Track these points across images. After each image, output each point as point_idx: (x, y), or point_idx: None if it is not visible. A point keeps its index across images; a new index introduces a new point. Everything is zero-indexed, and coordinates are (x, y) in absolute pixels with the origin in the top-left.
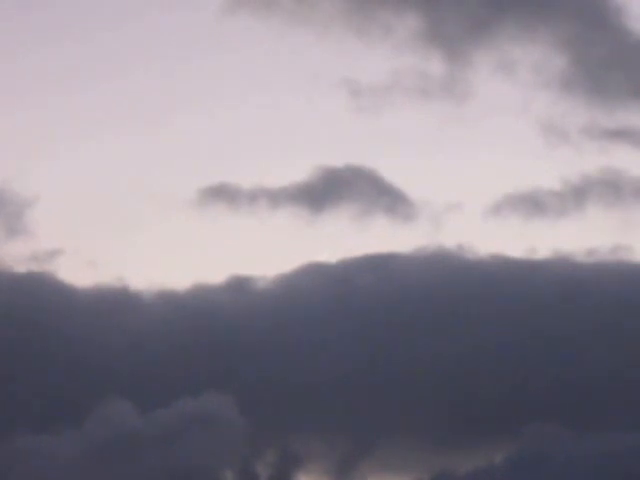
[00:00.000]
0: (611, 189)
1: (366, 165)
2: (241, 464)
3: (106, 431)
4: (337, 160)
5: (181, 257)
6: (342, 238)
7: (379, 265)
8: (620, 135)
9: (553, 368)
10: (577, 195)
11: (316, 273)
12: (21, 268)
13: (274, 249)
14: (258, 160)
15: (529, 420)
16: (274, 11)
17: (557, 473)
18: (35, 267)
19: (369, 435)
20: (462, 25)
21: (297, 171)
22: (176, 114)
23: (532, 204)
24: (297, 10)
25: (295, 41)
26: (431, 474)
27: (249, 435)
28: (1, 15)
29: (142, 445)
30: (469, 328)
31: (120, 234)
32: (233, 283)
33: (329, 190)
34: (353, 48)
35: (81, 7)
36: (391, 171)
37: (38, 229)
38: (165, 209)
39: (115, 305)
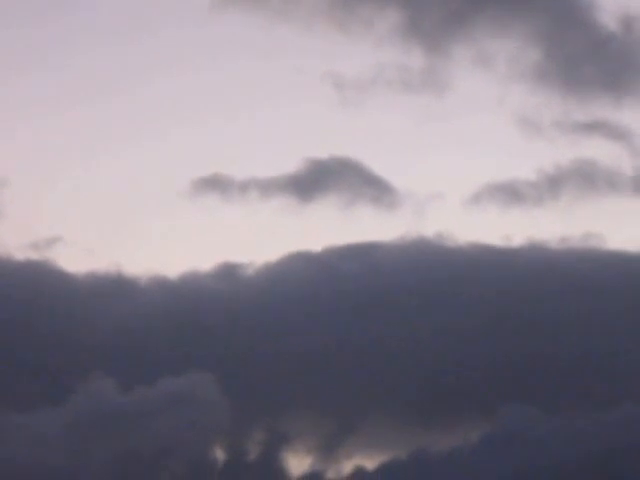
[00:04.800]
0: (584, 179)
1: (351, 156)
2: (228, 442)
3: (90, 408)
4: (323, 152)
5: (175, 245)
6: (329, 227)
7: (363, 253)
8: (592, 127)
9: (528, 351)
10: (551, 185)
11: (302, 261)
12: (20, 256)
13: (264, 237)
14: (249, 152)
15: (504, 401)
16: (260, 8)
17: (530, 452)
18: (34, 255)
19: (352, 415)
20: (440, 19)
21: (286, 163)
22: (170, 108)
23: (509, 194)
24: (282, 6)
25: (280, 36)
26: (409, 451)
27: (234, 414)
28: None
29: (126, 422)
30: (448, 312)
31: (116, 223)
32: (222, 270)
33: (316, 181)
34: (336, 43)
35: (80, 7)
36: (375, 162)
37: (38, 218)
38: (160, 199)
39: (110, 290)
